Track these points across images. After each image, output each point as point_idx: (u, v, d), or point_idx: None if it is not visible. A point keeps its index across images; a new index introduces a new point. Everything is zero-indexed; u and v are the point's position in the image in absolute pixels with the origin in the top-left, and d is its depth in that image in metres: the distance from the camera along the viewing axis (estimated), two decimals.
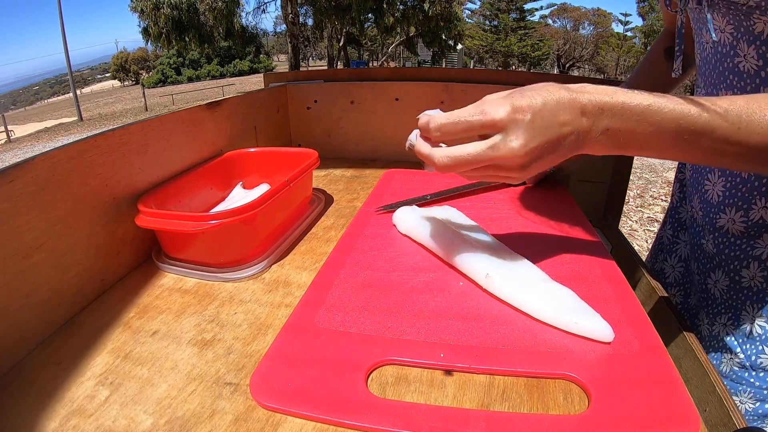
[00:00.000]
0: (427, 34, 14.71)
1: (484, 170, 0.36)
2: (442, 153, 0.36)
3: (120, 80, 40.52)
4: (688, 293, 0.59)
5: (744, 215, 0.46)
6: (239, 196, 0.66)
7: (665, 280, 0.62)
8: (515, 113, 0.33)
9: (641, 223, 3.37)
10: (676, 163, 0.62)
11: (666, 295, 0.50)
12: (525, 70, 3.64)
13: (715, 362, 0.50)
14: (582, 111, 0.34)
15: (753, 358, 0.46)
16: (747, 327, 0.47)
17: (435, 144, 0.37)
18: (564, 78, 0.85)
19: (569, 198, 0.66)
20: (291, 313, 0.42)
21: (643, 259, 0.62)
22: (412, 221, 0.54)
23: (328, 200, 0.72)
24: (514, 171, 0.35)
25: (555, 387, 0.33)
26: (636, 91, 0.34)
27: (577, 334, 0.36)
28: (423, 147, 0.37)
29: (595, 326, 0.36)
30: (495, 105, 0.34)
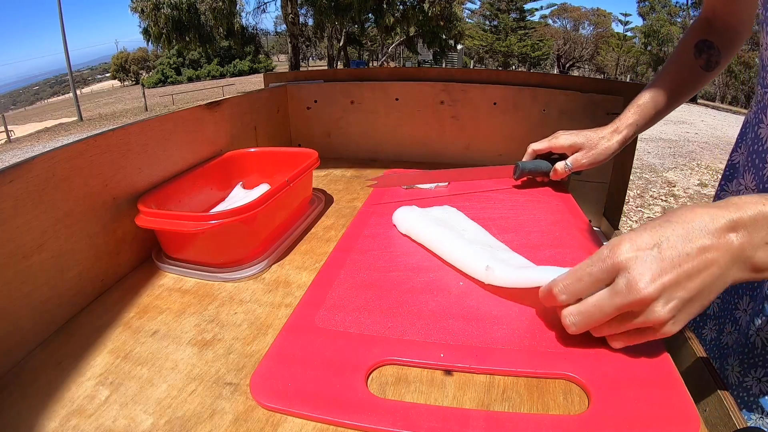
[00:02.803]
0: (427, 34, 14.72)
1: (622, 323, 0.32)
2: (569, 311, 0.33)
3: (120, 80, 40.54)
4: (722, 330, 0.52)
5: None
6: (239, 196, 0.66)
7: (704, 311, 0.54)
8: (637, 250, 0.30)
9: (641, 223, 3.37)
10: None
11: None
12: (525, 70, 3.65)
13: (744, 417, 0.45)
14: (729, 227, 0.29)
15: None
16: None
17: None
18: (564, 79, 0.85)
19: (569, 198, 0.66)
20: (291, 313, 0.42)
21: None
22: (412, 221, 0.54)
23: (328, 200, 0.72)
24: (656, 319, 0.30)
25: (555, 387, 0.33)
26: None
27: None
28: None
29: None
30: (615, 247, 0.31)
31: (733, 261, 0.29)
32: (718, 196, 0.59)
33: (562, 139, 0.64)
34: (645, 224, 0.32)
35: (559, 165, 0.65)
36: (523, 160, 0.68)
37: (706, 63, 0.57)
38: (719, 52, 0.56)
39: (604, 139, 0.62)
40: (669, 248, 0.29)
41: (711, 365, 0.39)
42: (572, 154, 0.64)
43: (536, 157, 0.68)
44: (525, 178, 0.71)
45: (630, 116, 0.61)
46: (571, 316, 0.33)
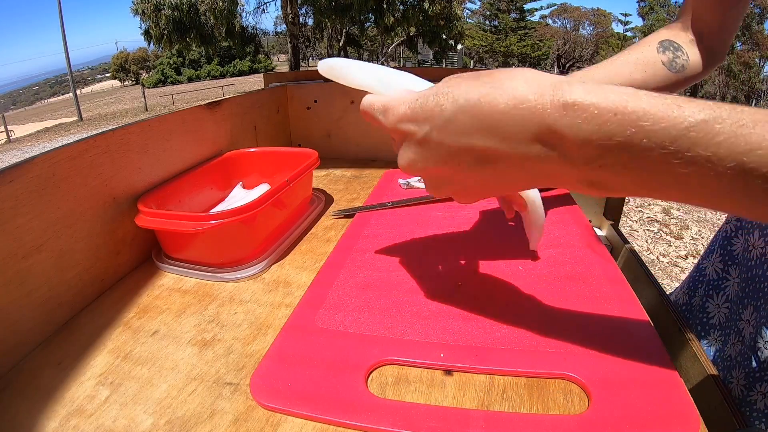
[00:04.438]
0: (428, 34, 14.71)
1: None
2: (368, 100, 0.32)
3: (120, 80, 40.56)
4: (727, 341, 0.49)
5: None
6: (239, 196, 0.66)
7: (708, 320, 0.52)
8: (403, 122, 0.27)
9: (641, 223, 3.38)
10: None
11: (664, 291, 0.50)
12: None
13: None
14: (550, 129, 0.22)
15: None
16: None
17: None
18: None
19: (569, 198, 0.66)
20: (291, 313, 0.42)
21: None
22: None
23: (328, 200, 0.72)
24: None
25: (555, 387, 0.33)
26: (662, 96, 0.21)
27: None
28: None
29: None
30: (395, 108, 0.28)
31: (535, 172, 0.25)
32: None
33: None
34: (454, 78, 0.26)
35: None
36: None
37: (670, 61, 0.48)
38: (688, 58, 0.48)
39: None
40: (440, 136, 0.26)
41: (711, 365, 0.39)
42: None
43: None
44: None
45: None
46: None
